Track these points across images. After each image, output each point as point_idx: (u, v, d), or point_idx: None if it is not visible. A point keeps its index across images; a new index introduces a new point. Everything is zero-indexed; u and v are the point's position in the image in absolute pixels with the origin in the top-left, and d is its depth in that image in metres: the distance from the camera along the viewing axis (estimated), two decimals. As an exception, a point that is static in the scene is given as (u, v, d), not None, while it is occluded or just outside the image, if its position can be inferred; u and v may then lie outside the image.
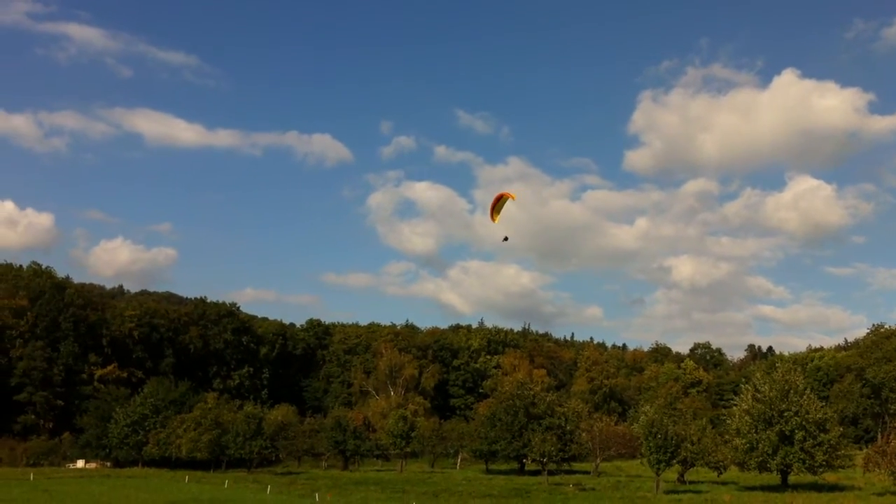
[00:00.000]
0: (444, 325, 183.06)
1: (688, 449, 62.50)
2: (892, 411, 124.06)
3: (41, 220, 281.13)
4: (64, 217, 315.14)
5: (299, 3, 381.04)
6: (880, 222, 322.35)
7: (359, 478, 74.98)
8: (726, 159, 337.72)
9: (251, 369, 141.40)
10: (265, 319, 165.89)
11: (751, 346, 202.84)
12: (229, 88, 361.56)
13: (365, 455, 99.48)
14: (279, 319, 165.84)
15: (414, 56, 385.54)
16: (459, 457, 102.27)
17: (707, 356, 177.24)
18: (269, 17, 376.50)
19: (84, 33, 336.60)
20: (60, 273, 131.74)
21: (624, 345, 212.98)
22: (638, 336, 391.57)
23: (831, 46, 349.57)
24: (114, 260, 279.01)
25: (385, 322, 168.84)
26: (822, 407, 60.74)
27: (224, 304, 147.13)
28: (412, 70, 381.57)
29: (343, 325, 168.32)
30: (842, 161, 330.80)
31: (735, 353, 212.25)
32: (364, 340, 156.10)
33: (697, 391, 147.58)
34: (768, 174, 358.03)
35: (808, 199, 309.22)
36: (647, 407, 67.05)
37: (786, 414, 58.61)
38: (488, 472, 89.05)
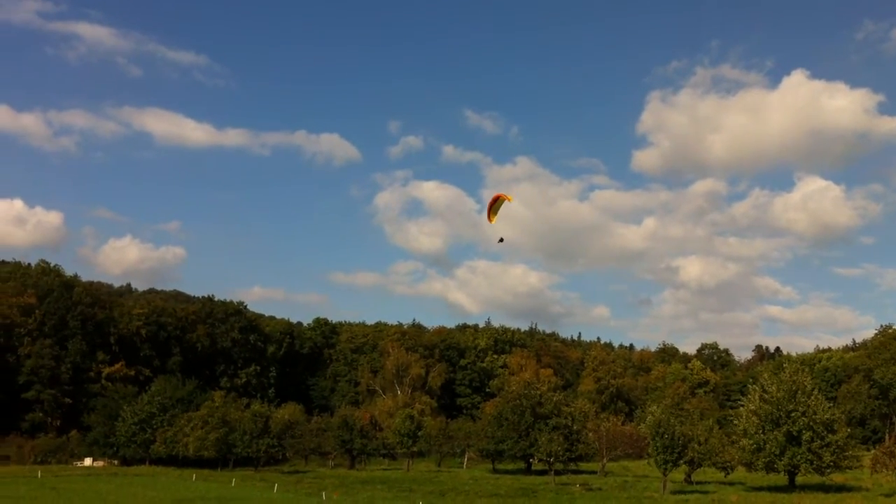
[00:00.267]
0: (451, 325, 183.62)
1: (695, 449, 62.29)
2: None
3: (50, 219, 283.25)
4: (72, 215, 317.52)
5: (308, 3, 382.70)
6: (889, 223, 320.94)
7: (365, 477, 75.03)
8: (735, 160, 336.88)
9: (258, 368, 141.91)
10: (272, 318, 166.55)
11: (758, 347, 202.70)
12: (238, 88, 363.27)
13: (371, 454, 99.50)
14: (286, 318, 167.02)
15: (422, 56, 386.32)
16: (466, 456, 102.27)
17: (714, 356, 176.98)
18: (279, 17, 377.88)
19: (94, 32, 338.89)
20: (69, 271, 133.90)
21: (631, 345, 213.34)
22: (645, 336, 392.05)
23: (841, 47, 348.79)
24: (122, 258, 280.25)
25: (392, 321, 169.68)
26: (829, 408, 60.35)
27: (231, 302, 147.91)
28: (420, 70, 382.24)
29: (350, 324, 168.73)
30: (851, 162, 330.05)
31: (742, 354, 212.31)
32: (371, 339, 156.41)
33: (705, 391, 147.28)
34: (777, 175, 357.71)
35: (816, 199, 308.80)
36: (654, 407, 66.82)
37: (793, 415, 58.32)
38: (495, 471, 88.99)
